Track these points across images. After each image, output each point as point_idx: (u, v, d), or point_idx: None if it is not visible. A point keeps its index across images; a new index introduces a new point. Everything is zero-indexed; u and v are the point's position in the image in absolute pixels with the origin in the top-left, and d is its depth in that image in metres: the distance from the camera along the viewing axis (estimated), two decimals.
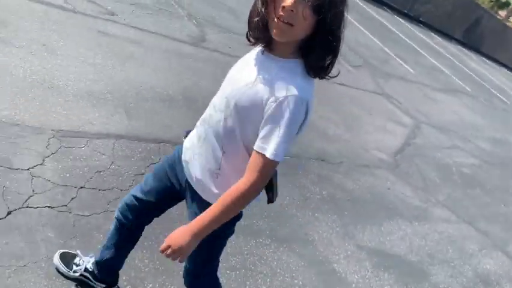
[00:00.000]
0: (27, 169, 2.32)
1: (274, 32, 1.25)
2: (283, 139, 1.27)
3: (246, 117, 1.33)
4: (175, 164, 1.61)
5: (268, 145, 1.27)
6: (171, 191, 1.64)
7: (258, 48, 1.39)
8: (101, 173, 2.56)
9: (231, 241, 2.60)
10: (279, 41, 1.28)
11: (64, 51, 3.44)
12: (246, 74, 1.34)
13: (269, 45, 1.33)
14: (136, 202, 1.70)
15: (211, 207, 1.36)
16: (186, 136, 1.59)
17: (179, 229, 1.39)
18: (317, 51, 1.27)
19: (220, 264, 1.75)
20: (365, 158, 4.62)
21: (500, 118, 10.70)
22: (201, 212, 1.40)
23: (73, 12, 4.00)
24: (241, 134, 1.37)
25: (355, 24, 9.57)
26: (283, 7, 1.20)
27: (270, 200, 1.49)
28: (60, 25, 3.74)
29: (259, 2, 1.29)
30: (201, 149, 1.46)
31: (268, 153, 1.27)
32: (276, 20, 1.23)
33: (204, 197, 1.49)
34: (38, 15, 3.69)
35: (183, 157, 1.55)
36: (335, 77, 1.34)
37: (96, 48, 3.71)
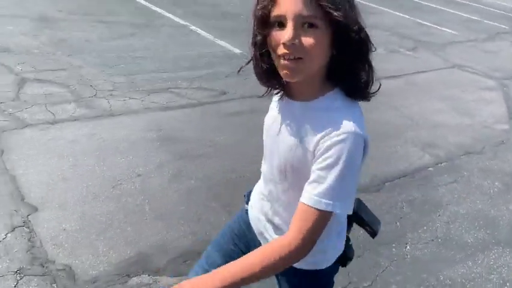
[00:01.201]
0: None
1: (283, 74, 1.01)
2: (340, 183, 0.98)
3: (303, 179, 1.05)
4: (246, 232, 1.39)
5: (316, 191, 0.99)
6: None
7: (277, 97, 1.16)
8: None
9: (476, 261, 2.80)
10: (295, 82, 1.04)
11: (231, 145, 3.72)
12: (283, 136, 1.11)
13: (286, 89, 1.10)
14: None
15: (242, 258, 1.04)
16: (248, 200, 1.42)
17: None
18: (348, 69, 1.01)
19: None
20: (495, 135, 4.74)
21: None
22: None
23: (201, 105, 4.29)
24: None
25: (375, 6, 9.73)
26: (284, 44, 0.96)
27: (373, 235, 1.30)
28: (201, 120, 4.03)
29: (252, 46, 1.07)
30: (272, 224, 1.25)
31: (312, 202, 0.99)
32: (280, 59, 0.99)
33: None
34: (187, 118, 4.00)
35: (255, 229, 1.33)
36: (377, 91, 1.08)
37: (240, 132, 3.97)
